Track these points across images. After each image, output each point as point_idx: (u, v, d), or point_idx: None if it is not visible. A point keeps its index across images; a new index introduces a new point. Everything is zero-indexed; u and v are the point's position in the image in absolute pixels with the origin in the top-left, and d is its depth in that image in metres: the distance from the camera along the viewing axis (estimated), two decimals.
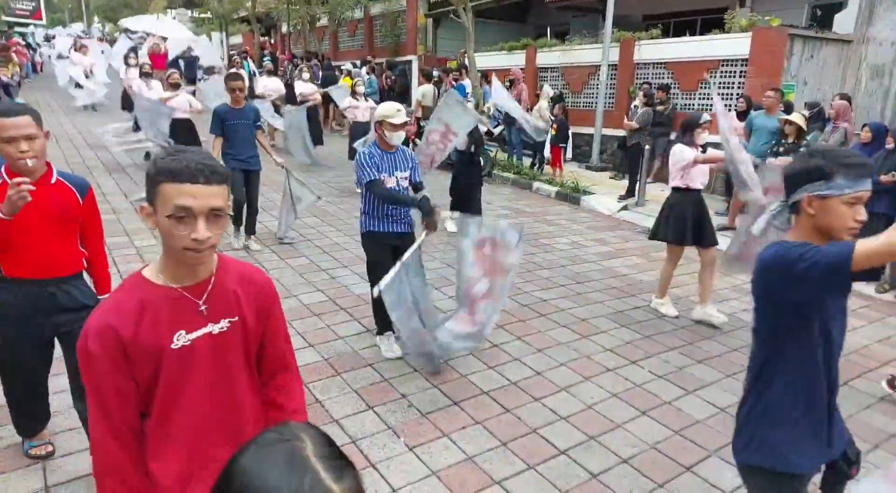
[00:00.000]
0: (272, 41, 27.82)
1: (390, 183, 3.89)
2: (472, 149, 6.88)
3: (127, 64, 11.76)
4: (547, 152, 10.64)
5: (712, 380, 4.05)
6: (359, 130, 9.18)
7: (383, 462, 3.06)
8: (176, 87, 8.87)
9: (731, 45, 9.83)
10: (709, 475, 3.08)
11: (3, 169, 2.41)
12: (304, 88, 11.93)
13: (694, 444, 3.33)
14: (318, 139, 10.94)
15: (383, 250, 4.00)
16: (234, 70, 10.48)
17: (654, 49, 11.11)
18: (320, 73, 15.56)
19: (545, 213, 8.41)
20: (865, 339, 4.88)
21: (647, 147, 8.86)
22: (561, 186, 9.65)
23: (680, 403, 3.75)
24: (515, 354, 4.26)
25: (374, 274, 3.93)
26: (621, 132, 10.20)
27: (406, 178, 4.02)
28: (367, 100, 9.64)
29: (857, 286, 6.07)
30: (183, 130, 8.57)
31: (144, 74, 9.83)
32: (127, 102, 11.06)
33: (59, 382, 3.24)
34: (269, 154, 6.21)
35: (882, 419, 3.70)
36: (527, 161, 11.15)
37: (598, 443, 3.30)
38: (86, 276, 2.77)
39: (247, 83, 11.65)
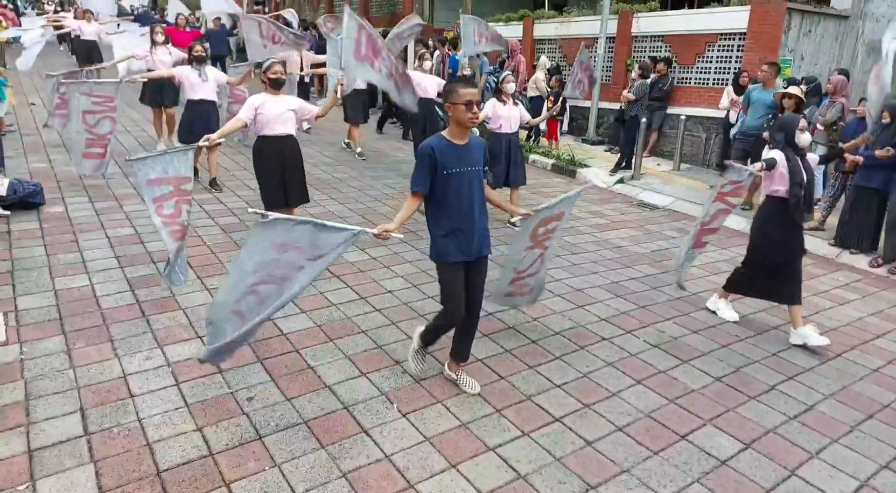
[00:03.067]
0: (266, 9, 27.24)
1: None
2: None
3: (153, 41, 8.11)
4: (543, 125, 10.51)
5: (707, 350, 4.04)
6: (499, 145, 6.21)
7: (376, 428, 3.02)
8: (277, 86, 4.77)
9: (730, 18, 9.67)
10: (704, 442, 3.07)
11: None
12: (426, 81, 7.59)
13: (689, 412, 3.32)
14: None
15: None
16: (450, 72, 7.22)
17: (653, 22, 10.92)
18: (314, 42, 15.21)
19: (541, 185, 8.32)
20: (859, 312, 4.89)
21: (643, 120, 8.77)
22: (557, 159, 9.56)
23: (675, 372, 3.73)
24: (510, 322, 4.22)
25: None
26: (618, 105, 10.08)
27: None
28: (516, 103, 6.45)
29: (851, 260, 6.07)
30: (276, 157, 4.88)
31: (196, 59, 6.63)
32: (156, 95, 8.10)
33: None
34: (509, 210, 3.63)
35: (876, 390, 3.70)
36: (523, 133, 11.01)
37: (593, 411, 3.28)
38: None
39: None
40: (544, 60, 11.02)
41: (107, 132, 6.33)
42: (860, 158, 6.00)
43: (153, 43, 8.08)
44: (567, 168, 9.19)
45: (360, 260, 5.17)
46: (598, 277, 5.19)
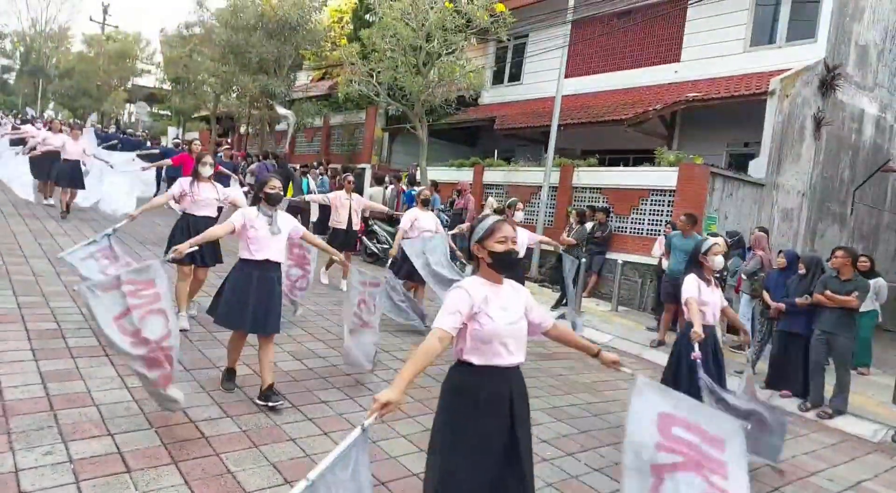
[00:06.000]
0: (229, 140, 28.33)
1: None
2: None
3: (197, 174, 5.76)
4: None
5: None
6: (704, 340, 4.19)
7: None
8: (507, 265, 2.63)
9: (660, 176, 10.71)
10: None
11: None
12: (520, 237, 5.77)
13: None
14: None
15: None
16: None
17: (592, 175, 11.95)
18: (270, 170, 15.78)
19: None
20: (792, 451, 4.93)
21: (583, 261, 9.23)
22: None
23: None
24: None
25: None
26: (560, 247, 10.63)
27: None
28: (718, 285, 4.71)
29: (781, 403, 6.23)
30: None
31: (268, 199, 4.18)
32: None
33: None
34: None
35: None
36: (468, 269, 11.33)
37: None
38: None
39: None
40: (492, 201, 11.69)
41: (161, 335, 3.49)
42: (782, 305, 6.48)
43: (196, 176, 5.66)
44: None
45: (295, 369, 4.97)
46: (540, 401, 5.11)
